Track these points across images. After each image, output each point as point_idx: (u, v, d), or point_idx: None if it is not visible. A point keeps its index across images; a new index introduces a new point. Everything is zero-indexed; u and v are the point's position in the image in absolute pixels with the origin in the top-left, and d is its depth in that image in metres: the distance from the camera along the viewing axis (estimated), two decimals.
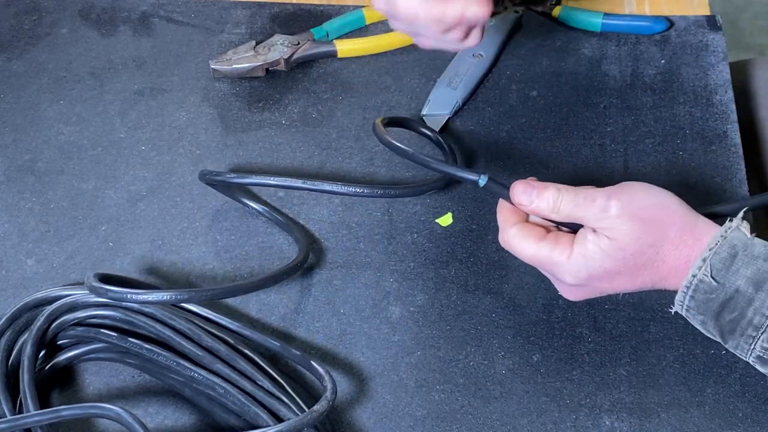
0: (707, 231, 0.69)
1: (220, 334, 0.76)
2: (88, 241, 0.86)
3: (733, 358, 0.71)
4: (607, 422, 0.74)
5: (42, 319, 0.75)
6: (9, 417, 0.71)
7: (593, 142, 0.92)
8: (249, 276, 0.83)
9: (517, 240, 0.72)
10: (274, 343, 0.76)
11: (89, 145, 0.93)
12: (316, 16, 1.04)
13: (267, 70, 0.98)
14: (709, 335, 0.70)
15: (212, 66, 0.98)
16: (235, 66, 0.97)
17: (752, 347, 0.68)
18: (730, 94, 0.95)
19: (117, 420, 0.68)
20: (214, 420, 0.75)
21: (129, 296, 0.73)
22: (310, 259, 0.83)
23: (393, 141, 0.81)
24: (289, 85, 0.98)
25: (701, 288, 0.68)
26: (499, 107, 0.95)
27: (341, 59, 1.00)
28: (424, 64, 0.99)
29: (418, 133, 0.91)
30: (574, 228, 0.71)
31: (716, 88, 0.95)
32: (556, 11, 1.01)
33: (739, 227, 0.68)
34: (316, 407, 0.69)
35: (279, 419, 0.71)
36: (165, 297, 0.73)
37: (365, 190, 0.82)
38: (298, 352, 0.76)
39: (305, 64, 1.00)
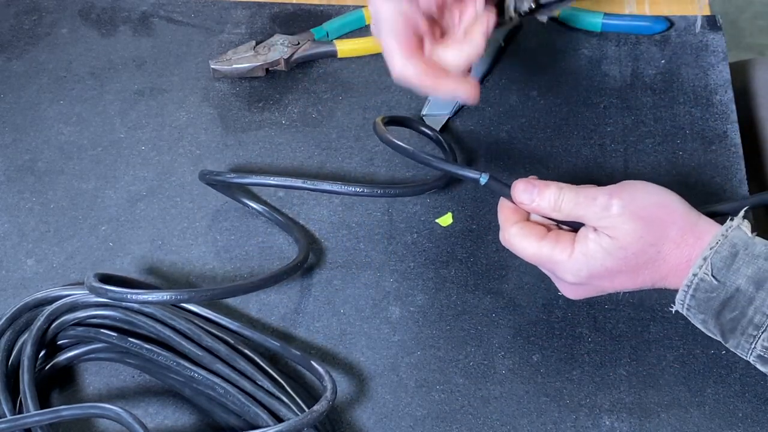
0: (708, 230, 0.69)
1: (220, 334, 0.76)
2: (88, 241, 0.86)
3: (733, 358, 0.71)
4: (607, 422, 0.74)
5: (42, 319, 0.75)
6: (9, 417, 0.71)
7: (593, 142, 0.92)
8: (249, 276, 0.83)
9: (518, 239, 0.72)
10: (274, 343, 0.76)
11: (89, 145, 0.93)
12: (316, 16, 1.04)
13: (267, 70, 0.98)
14: (709, 334, 0.70)
15: (212, 66, 0.98)
16: (235, 66, 0.97)
17: (753, 346, 0.68)
18: (730, 94, 0.95)
19: (117, 420, 0.68)
20: (214, 420, 0.75)
21: (129, 296, 0.73)
22: (310, 259, 0.83)
23: (394, 139, 0.81)
24: (289, 85, 0.98)
25: (702, 287, 0.68)
26: (499, 107, 0.95)
27: (341, 59, 1.00)
28: None
29: (418, 132, 0.91)
30: (575, 227, 0.71)
31: (716, 88, 0.95)
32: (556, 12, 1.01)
33: (740, 226, 0.68)
34: (316, 407, 0.69)
35: (279, 419, 0.71)
36: (165, 297, 0.73)
37: (365, 190, 0.82)
38: (298, 352, 0.76)
39: (305, 64, 1.00)
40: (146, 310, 0.76)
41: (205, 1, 1.06)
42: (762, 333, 0.67)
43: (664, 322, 0.79)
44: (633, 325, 0.79)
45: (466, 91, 0.75)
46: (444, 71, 0.75)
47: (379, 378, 0.77)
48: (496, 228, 0.75)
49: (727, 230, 0.68)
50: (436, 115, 0.94)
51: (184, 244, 0.85)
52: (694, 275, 0.68)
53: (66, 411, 0.69)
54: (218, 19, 1.04)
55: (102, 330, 0.76)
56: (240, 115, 0.95)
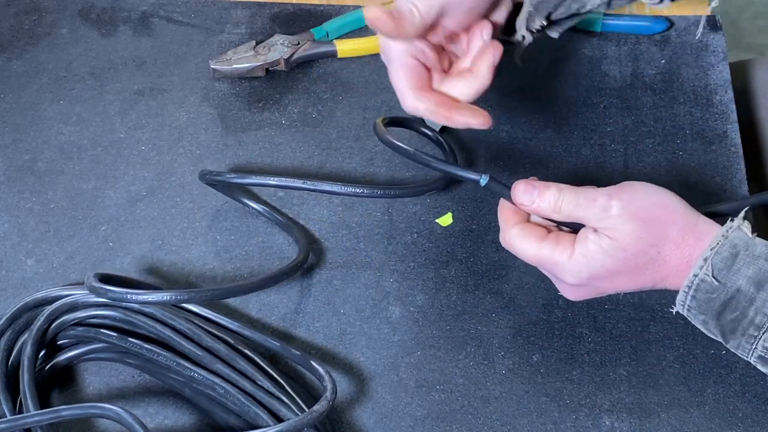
0: (708, 230, 0.69)
1: (220, 334, 0.76)
2: (88, 241, 0.86)
3: (733, 358, 0.71)
4: (607, 422, 0.74)
5: (42, 319, 0.75)
6: (9, 417, 0.71)
7: (593, 142, 0.92)
8: (249, 276, 0.83)
9: (519, 240, 0.72)
10: (274, 343, 0.76)
11: (89, 145, 0.93)
12: (316, 16, 1.04)
13: (267, 70, 0.98)
14: (710, 335, 0.70)
15: (212, 66, 0.98)
16: (235, 66, 0.97)
17: (754, 347, 0.68)
18: (730, 94, 0.95)
19: (117, 420, 0.68)
20: (214, 420, 0.75)
21: (129, 296, 0.73)
22: (310, 259, 0.83)
23: (394, 140, 0.81)
24: (289, 85, 0.98)
25: (702, 288, 0.68)
26: (499, 107, 0.95)
27: (341, 59, 1.00)
28: None
29: (418, 133, 0.91)
30: (575, 228, 0.71)
31: (716, 88, 0.95)
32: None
33: (740, 227, 0.68)
34: (316, 407, 0.69)
35: (279, 419, 0.71)
36: (165, 297, 0.73)
37: (365, 191, 0.82)
38: (297, 352, 0.76)
39: (305, 64, 1.00)
40: (146, 310, 0.76)
41: (205, 1, 1.06)
42: (763, 334, 0.67)
43: (664, 322, 0.79)
44: (633, 325, 0.79)
45: (479, 121, 0.76)
46: (455, 102, 0.77)
47: (379, 378, 0.77)
48: (496, 228, 0.75)
49: (727, 231, 0.68)
50: None
51: (184, 244, 0.85)
52: (695, 276, 0.68)
53: (66, 411, 0.69)
54: (218, 19, 1.04)
55: (102, 330, 0.76)
56: (240, 115, 0.95)
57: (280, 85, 0.98)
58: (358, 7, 1.03)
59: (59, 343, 0.77)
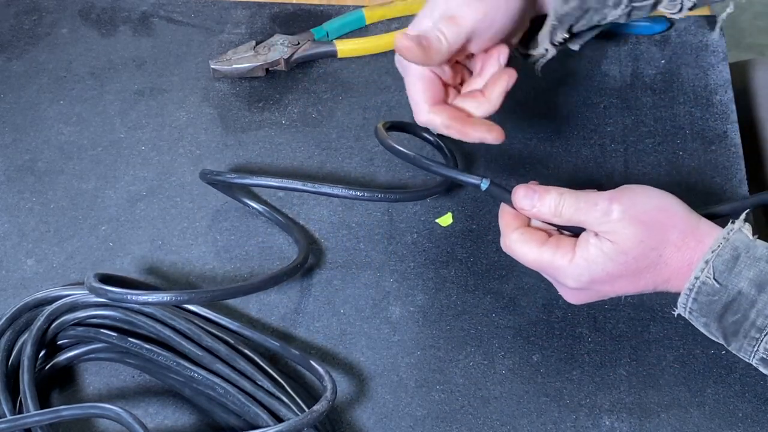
0: (709, 233, 0.69)
1: (220, 334, 0.76)
2: (88, 241, 0.86)
3: (733, 358, 0.71)
4: (607, 422, 0.74)
5: (42, 319, 0.75)
6: (9, 417, 0.71)
7: (593, 142, 0.92)
8: (249, 276, 0.83)
9: (519, 245, 0.72)
10: (274, 343, 0.76)
11: (89, 145, 0.93)
12: (316, 16, 1.04)
13: (267, 70, 0.98)
14: (712, 337, 0.70)
15: (212, 66, 0.98)
16: (235, 66, 0.97)
17: (755, 349, 0.68)
18: (730, 94, 0.95)
19: (117, 420, 0.68)
20: (214, 420, 0.75)
21: (129, 297, 0.73)
22: (310, 259, 0.83)
23: (395, 145, 0.81)
24: (289, 85, 0.98)
25: (704, 290, 0.68)
26: (500, 107, 0.95)
27: (341, 59, 1.00)
28: None
29: (419, 138, 0.91)
30: (575, 232, 0.71)
31: (716, 88, 0.95)
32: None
33: (741, 229, 0.68)
34: (316, 407, 0.69)
35: (279, 419, 0.71)
36: (165, 298, 0.73)
37: (365, 194, 0.82)
38: (297, 352, 0.76)
39: (305, 64, 1.00)
40: (146, 310, 0.76)
41: (205, 1, 1.06)
42: (764, 336, 0.67)
43: (664, 322, 0.79)
44: (633, 325, 0.79)
45: (493, 136, 0.77)
46: (469, 118, 0.78)
47: (379, 378, 0.77)
48: (496, 228, 0.75)
49: (728, 233, 0.68)
50: None
51: (184, 244, 0.85)
52: (696, 278, 0.68)
53: (66, 411, 0.69)
54: (218, 19, 1.04)
55: (102, 330, 0.76)
56: (240, 115, 0.95)
57: (280, 85, 0.98)
58: (358, 7, 1.03)
59: (59, 343, 0.77)
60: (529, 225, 0.73)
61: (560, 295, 0.75)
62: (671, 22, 1.01)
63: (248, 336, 0.77)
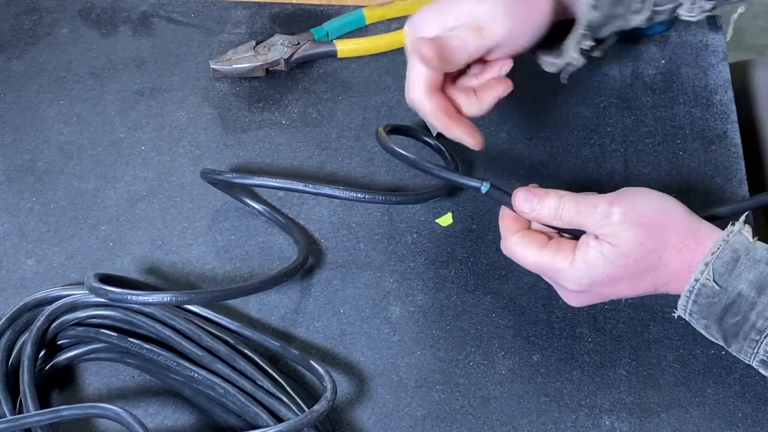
0: (709, 235, 0.69)
1: (220, 334, 0.76)
2: (88, 241, 0.86)
3: (734, 359, 0.71)
4: (607, 422, 0.74)
5: (42, 319, 0.75)
6: (9, 417, 0.71)
7: (593, 142, 0.92)
8: (249, 276, 0.83)
9: (519, 248, 0.72)
10: (274, 343, 0.76)
11: (89, 145, 0.93)
12: (316, 16, 1.04)
13: (267, 70, 0.98)
14: (712, 339, 0.70)
15: (212, 66, 0.98)
16: (235, 66, 0.97)
17: (755, 351, 0.68)
18: (730, 94, 0.95)
19: (117, 420, 0.68)
20: (214, 420, 0.75)
21: (129, 297, 0.73)
22: (310, 259, 0.83)
23: (396, 148, 0.81)
24: (289, 85, 0.98)
25: (704, 292, 0.68)
26: (499, 107, 0.94)
27: (341, 59, 1.00)
28: None
29: (420, 141, 0.91)
30: (576, 234, 0.71)
31: (716, 88, 0.95)
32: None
33: (741, 231, 0.68)
34: (316, 407, 0.69)
35: (279, 419, 0.71)
36: (165, 298, 0.73)
37: (366, 196, 0.82)
38: (297, 352, 0.76)
39: (305, 64, 1.00)
40: (146, 310, 0.76)
41: (205, 1, 1.06)
42: (764, 338, 0.67)
43: (664, 322, 0.79)
44: (633, 325, 0.79)
45: (472, 142, 0.78)
46: (458, 115, 0.78)
47: (379, 378, 0.77)
48: (497, 228, 0.75)
49: (728, 235, 0.68)
50: None
51: (184, 244, 0.85)
52: (696, 281, 0.68)
53: (66, 411, 0.69)
54: (218, 19, 1.04)
55: (102, 330, 0.76)
56: (240, 115, 0.95)
57: (280, 85, 0.98)
58: (358, 7, 1.03)
59: (59, 343, 0.77)
60: (529, 228, 0.73)
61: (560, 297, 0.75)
62: (671, 23, 1.01)
63: (248, 336, 0.77)
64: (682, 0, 0.79)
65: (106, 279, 0.76)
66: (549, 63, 0.81)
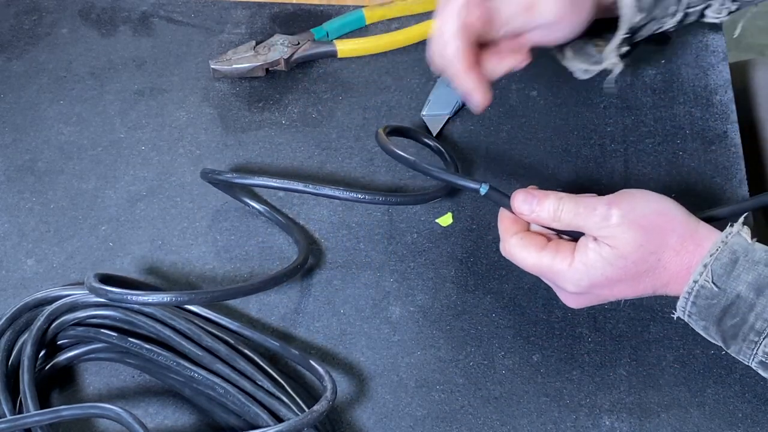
0: (708, 237, 0.69)
1: (220, 334, 0.76)
2: (88, 241, 0.86)
3: (733, 359, 0.71)
4: (607, 422, 0.74)
5: (42, 319, 0.75)
6: (9, 417, 0.71)
7: (593, 142, 0.92)
8: (249, 276, 0.83)
9: (518, 249, 0.72)
10: (274, 343, 0.76)
11: (89, 145, 0.93)
12: (316, 16, 1.04)
13: (267, 70, 0.98)
14: (711, 340, 0.70)
15: (212, 66, 0.98)
16: (235, 66, 0.97)
17: (754, 352, 0.68)
18: (730, 94, 0.95)
19: (117, 420, 0.68)
20: (214, 420, 0.75)
21: (129, 297, 0.73)
22: (310, 259, 0.83)
23: (396, 149, 0.81)
24: (289, 85, 0.98)
25: (703, 294, 0.68)
26: (499, 107, 0.95)
27: (341, 59, 1.00)
28: (424, 64, 0.98)
29: (419, 143, 0.91)
30: (575, 236, 0.71)
31: (716, 88, 0.95)
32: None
33: (739, 232, 0.68)
34: (316, 407, 0.69)
35: (279, 419, 0.71)
36: (165, 299, 0.73)
37: (367, 197, 0.82)
38: (297, 352, 0.76)
39: (305, 64, 1.00)
40: (146, 310, 0.76)
41: (205, 1, 1.06)
42: (763, 339, 0.67)
43: (664, 322, 0.79)
44: (633, 325, 0.79)
45: (479, 98, 0.76)
46: (476, 66, 0.75)
47: (379, 378, 0.77)
48: (497, 228, 0.75)
49: (726, 237, 0.68)
50: (436, 114, 0.94)
51: (184, 244, 0.85)
52: (695, 282, 0.68)
53: (66, 411, 0.69)
54: (218, 19, 1.04)
55: (102, 330, 0.76)
56: (240, 115, 0.95)
57: (280, 85, 0.98)
58: (358, 7, 1.03)
59: (59, 343, 0.77)
60: (528, 230, 0.73)
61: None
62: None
63: (248, 336, 0.77)
64: (712, 1, 0.79)
65: (106, 279, 0.76)
66: (582, 70, 0.80)
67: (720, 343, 0.70)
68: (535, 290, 0.81)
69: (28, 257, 0.85)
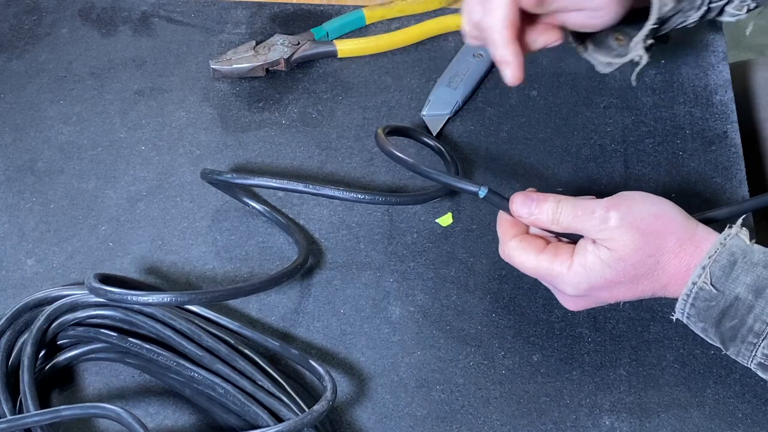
0: (706, 238, 0.69)
1: (220, 334, 0.76)
2: (88, 241, 0.86)
3: (733, 359, 0.71)
4: (607, 422, 0.74)
5: (42, 319, 0.75)
6: (9, 417, 0.71)
7: (593, 142, 0.92)
8: (249, 276, 0.83)
9: (518, 252, 0.72)
10: (274, 343, 0.76)
11: (89, 145, 0.93)
12: (316, 16, 1.04)
13: (267, 70, 0.98)
14: (710, 341, 0.71)
15: (212, 66, 0.98)
16: (235, 66, 0.97)
17: (753, 354, 0.68)
18: (730, 94, 0.95)
19: (117, 420, 0.68)
20: (214, 420, 0.75)
21: (129, 297, 0.73)
22: (310, 259, 0.83)
23: (395, 151, 0.81)
24: (289, 85, 0.98)
25: (701, 296, 0.68)
26: (499, 107, 0.95)
27: (341, 59, 1.00)
28: (424, 64, 0.99)
29: (419, 143, 0.91)
30: (573, 239, 0.71)
31: (716, 88, 0.95)
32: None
33: (738, 234, 0.68)
34: (316, 407, 0.69)
35: (279, 419, 0.71)
36: (165, 299, 0.73)
37: (366, 197, 0.82)
38: (297, 352, 0.76)
39: (305, 64, 1.00)
40: (146, 310, 0.76)
41: (205, 1, 1.06)
42: (762, 341, 0.67)
43: (664, 322, 0.79)
44: (633, 325, 0.79)
45: (513, 72, 0.75)
46: (517, 38, 0.75)
47: (379, 378, 0.77)
48: (496, 228, 0.75)
49: (725, 238, 0.68)
50: (436, 115, 0.94)
51: (184, 244, 0.85)
52: (693, 284, 0.68)
53: (66, 411, 0.69)
54: (218, 19, 1.04)
55: (102, 330, 0.76)
56: (240, 115, 0.95)
57: (280, 85, 0.98)
58: (358, 7, 1.03)
59: (59, 343, 0.77)
60: (527, 233, 0.73)
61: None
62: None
63: (248, 336, 0.77)
64: None
65: (106, 279, 0.76)
66: (604, 63, 0.80)
67: (719, 345, 0.70)
68: (535, 290, 0.81)
69: (28, 257, 0.85)
